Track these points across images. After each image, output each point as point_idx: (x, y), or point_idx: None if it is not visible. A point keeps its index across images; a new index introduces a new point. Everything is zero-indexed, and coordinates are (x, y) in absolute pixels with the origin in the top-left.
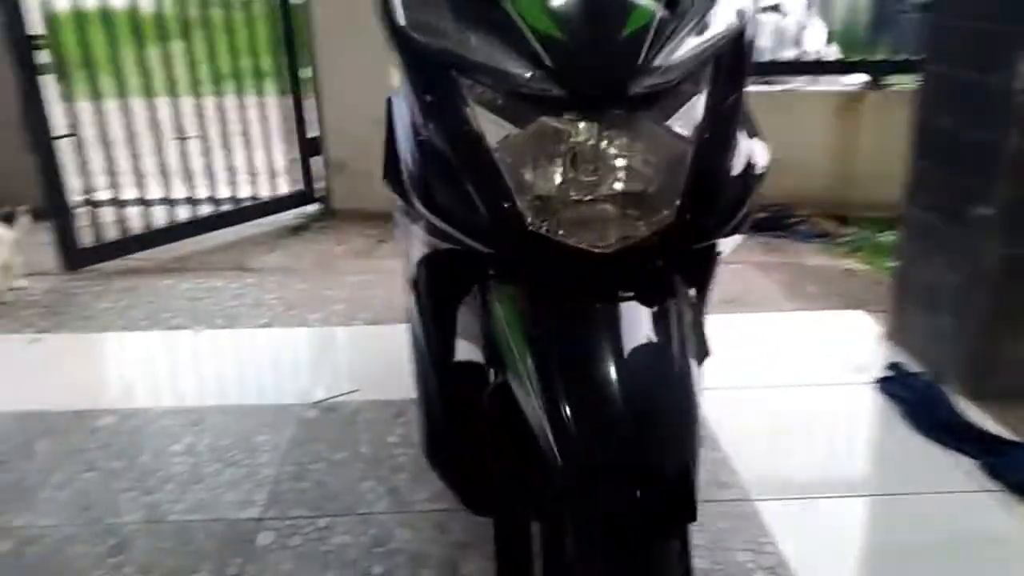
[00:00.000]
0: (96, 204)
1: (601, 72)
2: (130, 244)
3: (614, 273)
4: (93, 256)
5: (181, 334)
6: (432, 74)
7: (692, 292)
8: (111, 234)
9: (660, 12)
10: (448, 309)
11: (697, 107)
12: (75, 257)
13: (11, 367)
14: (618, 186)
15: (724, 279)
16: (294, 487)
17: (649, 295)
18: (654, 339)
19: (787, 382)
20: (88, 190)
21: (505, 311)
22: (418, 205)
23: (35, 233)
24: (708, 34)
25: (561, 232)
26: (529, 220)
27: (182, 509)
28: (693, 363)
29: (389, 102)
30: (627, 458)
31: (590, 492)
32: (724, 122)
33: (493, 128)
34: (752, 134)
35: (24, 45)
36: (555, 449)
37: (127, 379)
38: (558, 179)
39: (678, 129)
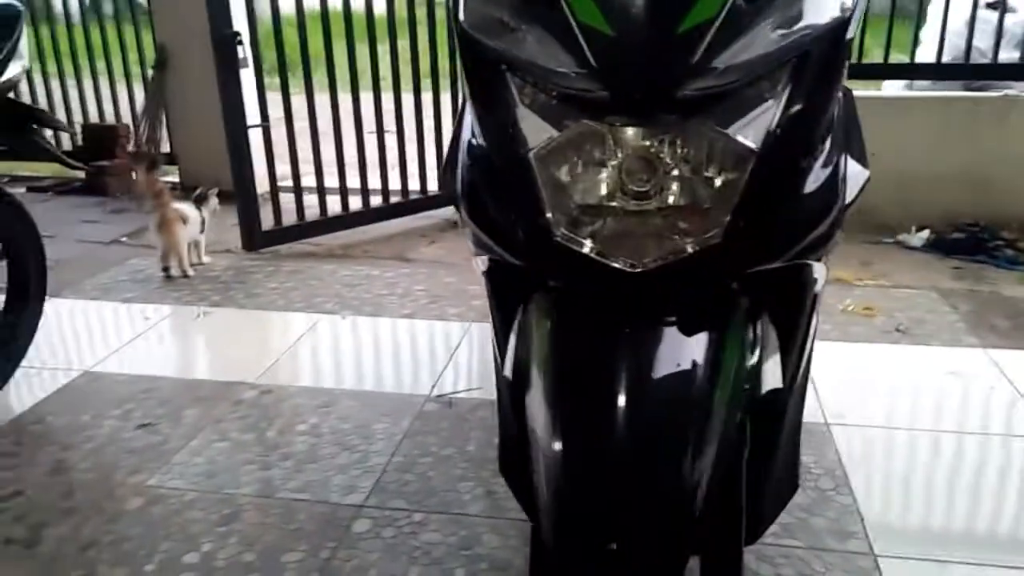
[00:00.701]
0: (279, 190)
1: (647, 72)
2: (306, 229)
3: (650, 294)
4: (272, 238)
5: (330, 318)
6: (486, 73)
7: (770, 320)
8: (290, 219)
9: (735, 2)
10: (508, 320)
11: (769, 114)
12: (256, 238)
13: (181, 336)
14: (660, 199)
15: (899, 304)
16: (398, 478)
17: (692, 321)
18: (686, 371)
19: (940, 426)
20: (273, 176)
21: (537, 327)
22: (462, 211)
23: (224, 215)
24: (793, 30)
25: (594, 246)
26: (560, 232)
27: (292, 487)
28: (726, 400)
29: (463, 105)
30: (607, 508)
31: (566, 541)
32: (802, 132)
33: (536, 131)
34: (847, 148)
35: (228, 41)
36: (543, 487)
37: (274, 356)
38: (596, 187)
39: (741, 138)
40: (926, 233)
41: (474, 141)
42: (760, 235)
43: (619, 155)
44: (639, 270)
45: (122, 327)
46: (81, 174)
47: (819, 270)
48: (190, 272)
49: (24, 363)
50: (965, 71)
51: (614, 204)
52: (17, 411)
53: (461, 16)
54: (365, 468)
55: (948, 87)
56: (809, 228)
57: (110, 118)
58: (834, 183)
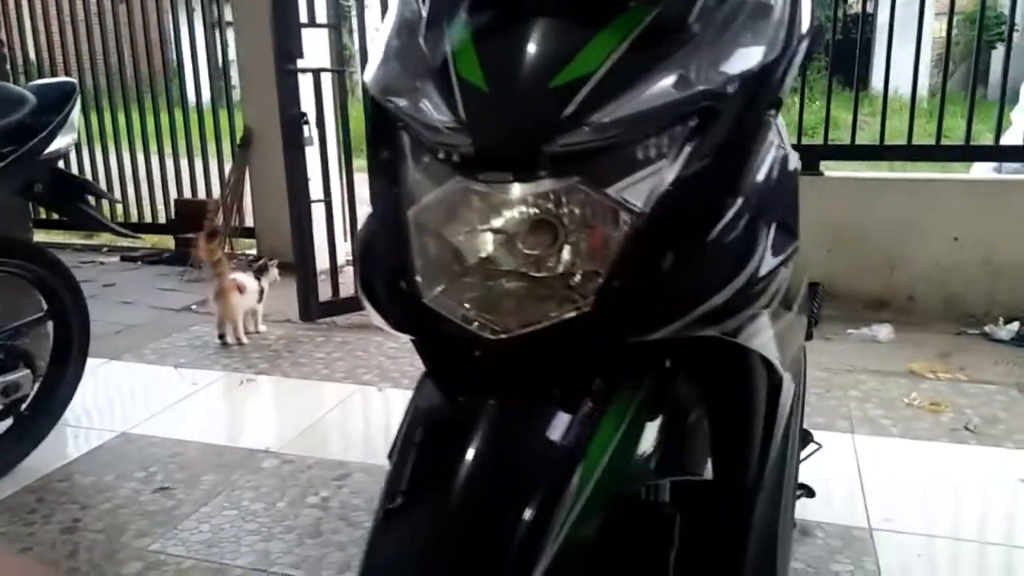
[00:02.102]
0: (337, 263)
1: (512, 126)
2: (357, 302)
3: (523, 364)
4: (328, 309)
5: (365, 390)
6: (383, 132)
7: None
8: (347, 291)
9: (622, 50)
10: None
11: (660, 174)
12: (312, 309)
13: (221, 402)
14: (532, 263)
15: (972, 401)
16: None
17: (569, 396)
18: (538, 450)
19: (1002, 539)
20: (332, 250)
21: (415, 395)
22: (356, 280)
23: (287, 286)
24: (697, 81)
25: (460, 311)
26: (429, 296)
27: (288, 561)
28: (589, 485)
29: None
30: None
31: None
32: (696, 196)
33: (421, 191)
34: (770, 214)
35: (294, 121)
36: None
37: (303, 426)
38: (469, 249)
39: (622, 199)
40: (1015, 325)
41: (370, 208)
42: (636, 304)
43: (492, 216)
44: (503, 337)
45: (168, 391)
46: (170, 245)
47: (768, 351)
48: (244, 340)
49: (67, 422)
50: None
51: (485, 267)
52: (48, 469)
53: (368, 75)
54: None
55: None
56: (699, 299)
57: (204, 194)
58: (739, 251)
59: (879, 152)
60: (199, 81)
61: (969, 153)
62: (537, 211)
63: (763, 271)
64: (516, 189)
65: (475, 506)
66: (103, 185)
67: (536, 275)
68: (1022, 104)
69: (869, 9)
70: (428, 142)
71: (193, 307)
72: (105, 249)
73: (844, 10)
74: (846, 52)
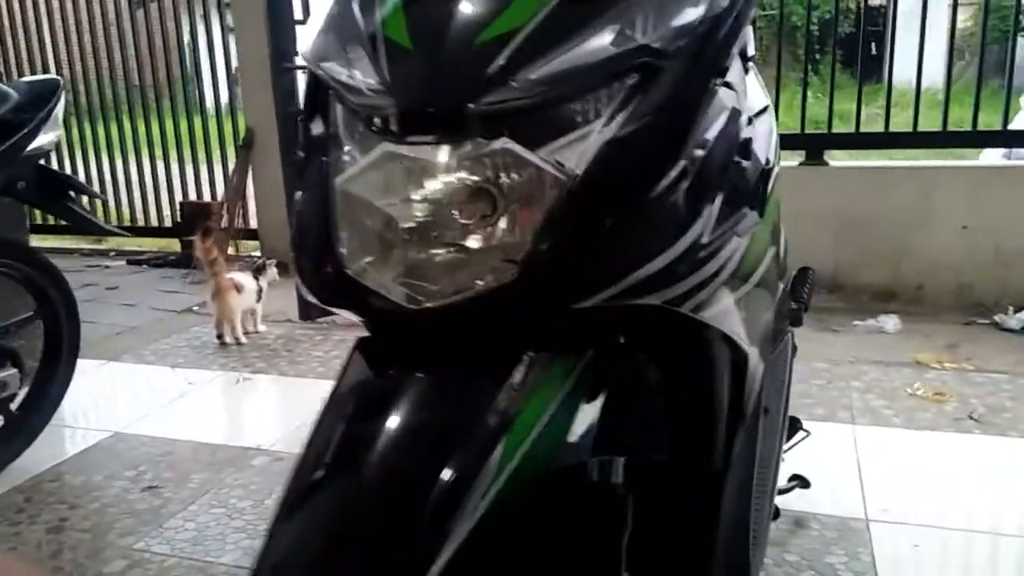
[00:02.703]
0: None
1: (435, 85)
2: None
3: (452, 334)
4: (326, 308)
5: None
6: (317, 102)
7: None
8: None
9: (554, 4)
10: None
11: (598, 134)
12: (310, 308)
13: (216, 401)
14: (457, 230)
15: (978, 391)
16: None
17: (498, 367)
18: (459, 423)
19: (1001, 529)
20: None
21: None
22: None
23: (285, 285)
24: (637, 36)
25: (384, 281)
26: (353, 266)
27: None
28: (512, 462)
29: None
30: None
31: None
32: (635, 159)
33: (348, 159)
34: (719, 184)
35: (290, 119)
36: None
37: (297, 423)
38: (397, 217)
39: (552, 162)
40: None
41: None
42: (564, 270)
43: (422, 183)
44: (427, 307)
45: (164, 391)
46: (177, 248)
47: (729, 326)
48: (243, 340)
49: (62, 422)
50: None
51: (415, 237)
52: (39, 469)
53: (304, 44)
54: None
55: None
56: (632, 266)
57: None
58: (677, 217)
59: (884, 140)
60: (202, 85)
61: (976, 139)
62: (474, 178)
63: (706, 239)
64: (443, 152)
65: (387, 480)
66: (109, 190)
67: (467, 245)
68: None
69: (882, 0)
70: (355, 107)
71: (195, 308)
72: (112, 253)
73: (859, 2)
74: (856, 43)
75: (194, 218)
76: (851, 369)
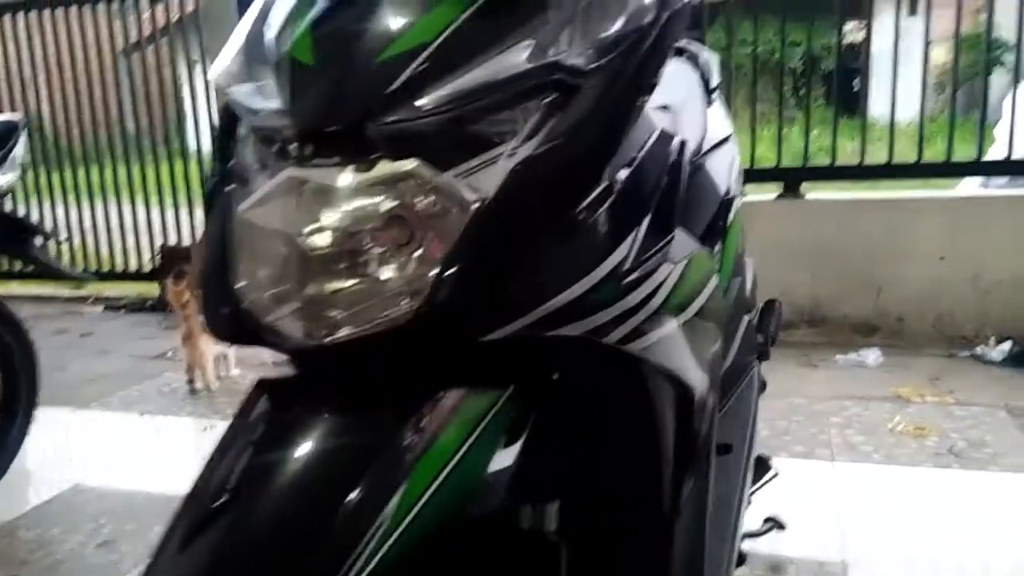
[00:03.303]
0: None
1: (335, 104)
2: None
3: (350, 372)
4: None
5: None
6: (228, 128)
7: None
8: None
9: (464, 19)
10: None
11: (511, 155)
12: None
13: (182, 450)
14: (360, 259)
15: (958, 424)
16: None
17: (408, 404)
18: (365, 464)
19: (982, 570)
20: None
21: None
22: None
23: None
24: (553, 52)
25: (282, 316)
26: (250, 299)
27: None
28: (411, 512)
29: None
30: None
31: None
32: (556, 178)
33: (252, 186)
34: (646, 208)
35: None
36: None
37: None
38: (295, 246)
39: (472, 183)
40: (1008, 345)
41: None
42: (469, 300)
43: (327, 209)
44: (325, 343)
45: (129, 439)
46: (156, 291)
47: (671, 361)
48: (213, 385)
49: (21, 474)
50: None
51: (315, 266)
52: None
53: (214, 68)
54: None
55: None
56: (543, 295)
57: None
58: (595, 243)
59: (859, 172)
60: (184, 130)
61: (951, 170)
62: (388, 204)
63: (630, 264)
64: (347, 175)
65: (277, 524)
66: (89, 235)
67: (376, 275)
68: (1005, 120)
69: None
70: (259, 131)
71: (168, 354)
72: (91, 300)
73: (839, 40)
74: (840, 79)
75: (172, 261)
76: (831, 405)
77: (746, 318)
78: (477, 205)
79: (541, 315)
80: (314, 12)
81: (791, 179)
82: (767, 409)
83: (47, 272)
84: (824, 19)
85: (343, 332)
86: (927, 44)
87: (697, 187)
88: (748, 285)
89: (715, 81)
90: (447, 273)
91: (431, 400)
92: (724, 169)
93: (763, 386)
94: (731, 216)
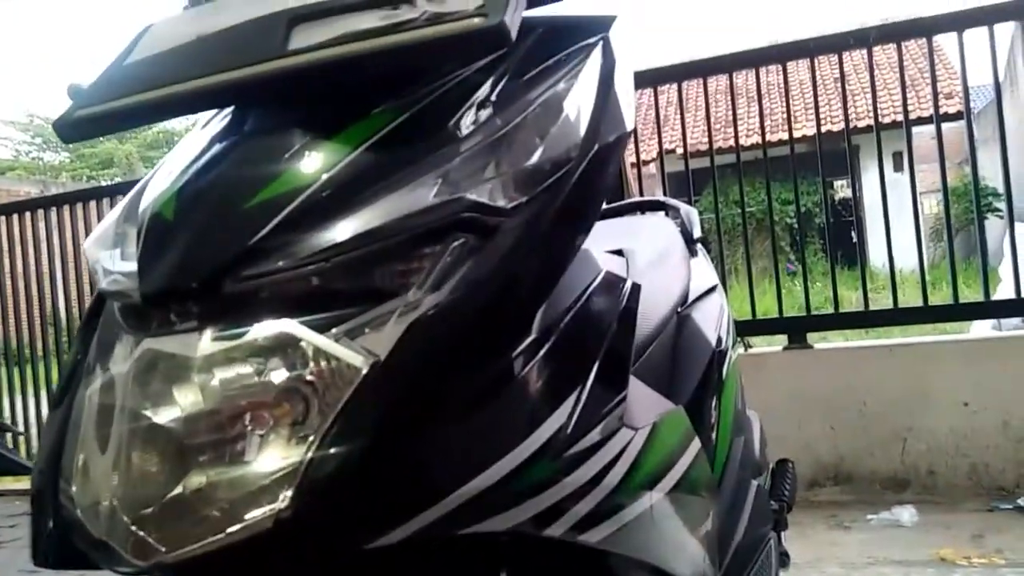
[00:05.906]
0: None
1: (186, 260)
2: None
3: None
4: None
5: None
6: (95, 308)
7: None
8: None
9: (351, 159)
10: None
11: (411, 309)
12: None
13: None
14: (216, 457)
15: None
16: None
17: None
18: None
19: None
20: None
21: None
22: None
23: None
24: (468, 183)
25: (119, 527)
26: (79, 508)
27: None
28: None
29: None
30: None
31: None
32: (470, 333)
33: (100, 364)
34: (590, 364)
35: None
36: None
37: None
38: (140, 437)
39: (364, 346)
40: None
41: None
42: (348, 499)
43: (184, 384)
44: (165, 561)
45: None
46: None
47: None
48: None
49: None
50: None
51: (169, 462)
52: None
53: (88, 242)
54: None
55: None
56: (448, 485)
57: None
58: (525, 409)
59: (864, 319)
60: None
61: (960, 312)
62: (267, 375)
63: (569, 434)
64: (206, 343)
65: None
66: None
67: (234, 468)
68: (1007, 260)
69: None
70: (112, 296)
71: None
72: None
73: (831, 195)
74: (838, 231)
75: None
76: (870, 572)
77: (755, 483)
78: (366, 371)
79: (450, 508)
80: (193, 168)
81: (795, 329)
82: None
83: (11, 468)
84: (811, 179)
85: (190, 547)
86: (915, 198)
87: (685, 338)
88: (755, 444)
89: (697, 233)
90: (319, 456)
91: None
92: (712, 319)
93: (785, 559)
94: (726, 369)
